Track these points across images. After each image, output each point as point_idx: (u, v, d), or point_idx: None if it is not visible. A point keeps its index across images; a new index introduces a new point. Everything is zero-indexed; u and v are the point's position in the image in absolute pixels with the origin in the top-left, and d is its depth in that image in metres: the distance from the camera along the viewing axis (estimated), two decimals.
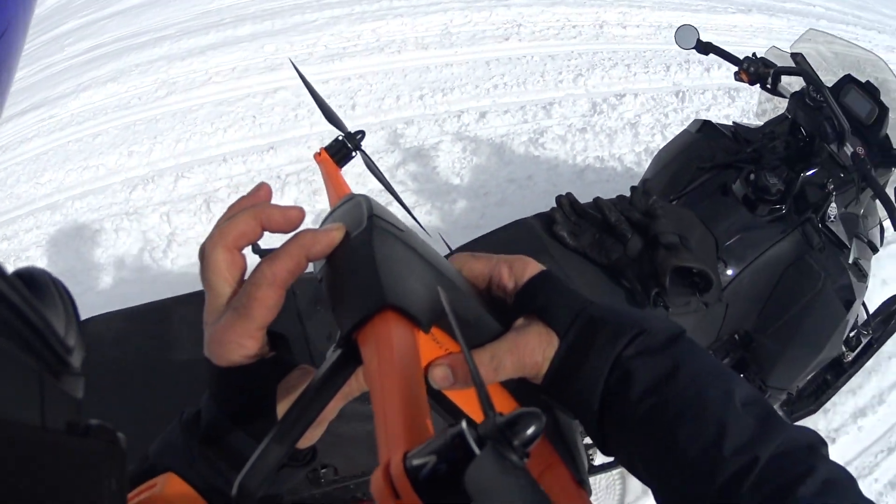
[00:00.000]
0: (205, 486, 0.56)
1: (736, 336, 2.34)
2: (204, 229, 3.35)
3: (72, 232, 3.38)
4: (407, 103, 4.24)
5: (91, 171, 3.72)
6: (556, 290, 0.60)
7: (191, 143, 3.83)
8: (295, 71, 1.50)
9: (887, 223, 2.69)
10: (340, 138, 1.38)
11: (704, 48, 2.39)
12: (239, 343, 0.53)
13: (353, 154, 1.39)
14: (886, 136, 2.52)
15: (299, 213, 0.56)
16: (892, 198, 2.63)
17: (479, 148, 4.02)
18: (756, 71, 2.30)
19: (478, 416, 0.40)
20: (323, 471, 1.57)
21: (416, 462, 0.36)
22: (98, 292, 3.10)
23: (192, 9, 5.10)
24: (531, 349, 0.57)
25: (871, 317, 3.42)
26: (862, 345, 3.26)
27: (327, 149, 1.37)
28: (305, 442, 0.60)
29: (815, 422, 3.20)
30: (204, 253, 0.55)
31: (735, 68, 2.40)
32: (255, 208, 0.55)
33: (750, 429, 0.52)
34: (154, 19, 5.01)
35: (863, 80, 2.54)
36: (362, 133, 1.43)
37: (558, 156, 4.09)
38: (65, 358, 0.32)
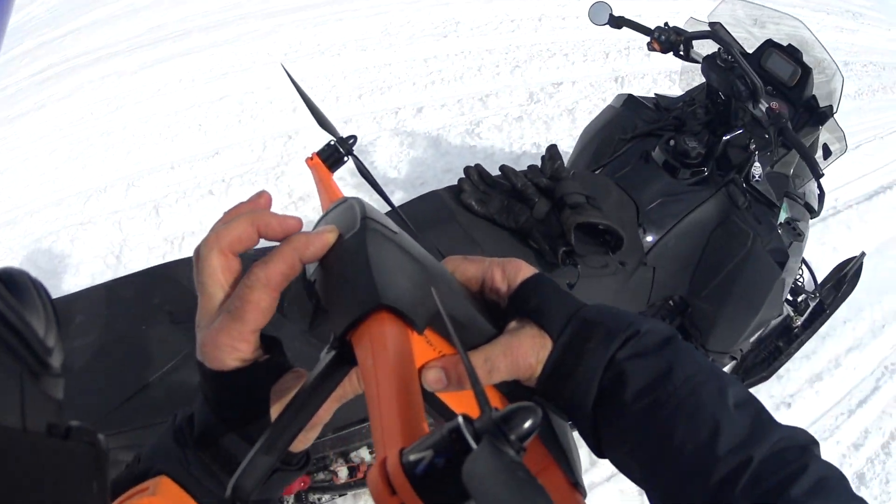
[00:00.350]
0: (198, 490, 0.55)
1: (671, 302, 2.34)
2: (154, 234, 3.39)
3: (31, 245, 3.40)
4: (346, 103, 4.27)
5: (48, 186, 3.75)
6: (550, 292, 0.60)
7: (141, 153, 3.84)
8: (287, 77, 1.48)
9: (831, 190, 2.69)
10: (332, 143, 1.36)
11: (617, 23, 2.38)
12: (232, 346, 0.52)
13: (346, 159, 1.36)
14: (813, 96, 2.53)
15: (297, 224, 0.55)
16: (820, 155, 2.65)
17: (415, 142, 4.06)
18: (668, 39, 2.29)
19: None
20: None
21: (412, 458, 0.36)
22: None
23: (143, 24, 5.10)
24: (525, 351, 0.56)
25: (821, 284, 3.44)
26: (810, 308, 3.27)
27: (319, 153, 1.34)
28: (299, 445, 0.60)
29: (770, 388, 3.22)
30: (199, 255, 0.53)
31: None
32: (253, 214, 0.54)
33: (743, 429, 0.52)
34: (106, 36, 4.99)
35: (784, 44, 2.56)
36: (354, 138, 1.40)
37: (494, 144, 4.14)
38: (44, 359, 0.31)
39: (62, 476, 0.29)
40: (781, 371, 3.26)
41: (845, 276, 3.48)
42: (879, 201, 4.78)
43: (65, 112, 4.31)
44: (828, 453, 3.02)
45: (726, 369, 3.06)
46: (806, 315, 3.32)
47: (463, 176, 1.86)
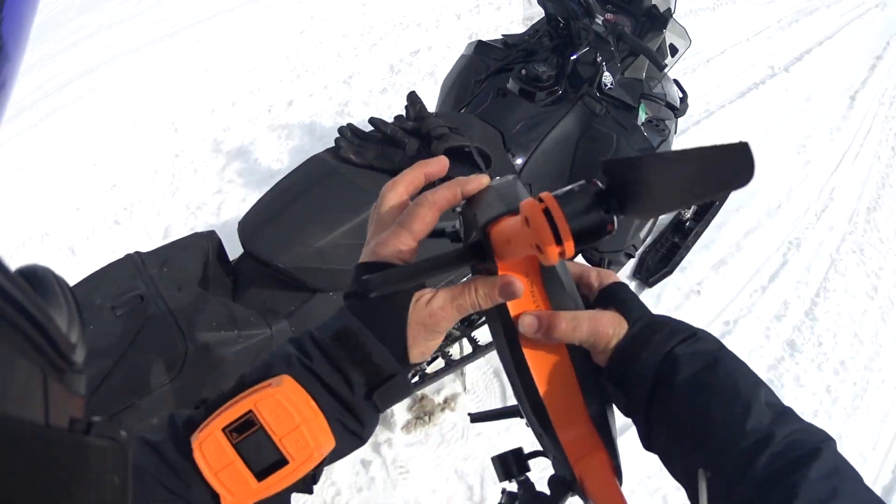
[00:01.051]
0: (316, 390, 0.64)
1: None
2: (73, 272, 3.42)
3: None
4: (221, 113, 4.45)
5: None
6: (632, 295, 0.75)
7: (48, 204, 3.93)
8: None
9: (702, 94, 2.94)
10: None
11: None
12: (397, 247, 0.67)
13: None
14: (653, 6, 2.80)
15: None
16: (669, 55, 2.96)
17: (292, 133, 4.27)
18: None
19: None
20: None
21: (556, 191, 0.53)
22: None
23: (27, 84, 5.07)
24: (605, 322, 0.70)
25: None
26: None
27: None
28: (419, 356, 0.69)
29: (675, 280, 3.40)
30: (385, 191, 0.73)
31: None
32: (424, 165, 0.74)
33: (770, 417, 0.63)
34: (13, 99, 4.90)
35: None
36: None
37: (365, 119, 4.31)
38: (68, 355, 0.32)
39: (83, 471, 0.30)
40: (684, 263, 3.47)
41: None
42: (752, 98, 5.07)
43: None
44: (749, 329, 3.20)
45: (627, 267, 3.31)
46: (694, 208, 3.58)
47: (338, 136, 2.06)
